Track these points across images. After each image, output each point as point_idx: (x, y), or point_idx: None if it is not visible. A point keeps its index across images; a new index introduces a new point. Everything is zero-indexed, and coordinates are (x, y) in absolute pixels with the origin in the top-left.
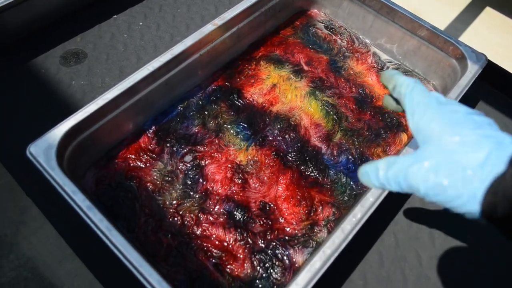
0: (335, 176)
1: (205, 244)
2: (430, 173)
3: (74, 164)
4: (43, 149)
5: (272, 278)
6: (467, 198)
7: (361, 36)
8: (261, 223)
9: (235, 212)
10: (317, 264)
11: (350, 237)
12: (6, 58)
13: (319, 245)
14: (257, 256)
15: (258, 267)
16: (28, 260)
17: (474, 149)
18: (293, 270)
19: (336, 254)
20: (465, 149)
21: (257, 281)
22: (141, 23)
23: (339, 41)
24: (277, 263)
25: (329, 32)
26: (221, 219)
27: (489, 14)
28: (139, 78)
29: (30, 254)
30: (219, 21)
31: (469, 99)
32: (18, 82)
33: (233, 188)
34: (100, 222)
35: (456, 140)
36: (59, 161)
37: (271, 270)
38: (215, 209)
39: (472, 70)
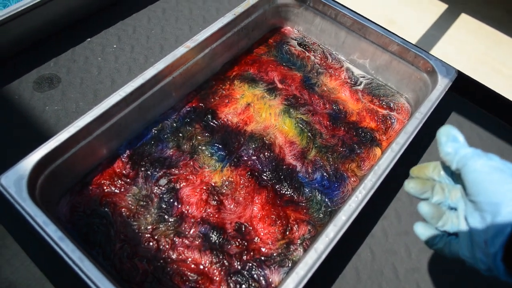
0: (310, 194)
1: (181, 268)
2: None
3: (48, 192)
4: (14, 180)
5: None
6: None
7: (334, 52)
8: (237, 244)
9: (210, 234)
10: (290, 286)
11: (324, 256)
12: None
13: (295, 264)
14: (233, 278)
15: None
16: (11, 284)
17: None
18: None
19: (309, 275)
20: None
21: None
22: (115, 46)
23: (312, 57)
24: (253, 284)
25: (303, 49)
26: (197, 242)
27: (464, 20)
28: (111, 103)
29: (13, 278)
30: (191, 43)
31: (441, 111)
32: None
33: (208, 210)
34: (73, 253)
35: None
36: (31, 191)
37: None
38: (191, 232)
39: (443, 84)
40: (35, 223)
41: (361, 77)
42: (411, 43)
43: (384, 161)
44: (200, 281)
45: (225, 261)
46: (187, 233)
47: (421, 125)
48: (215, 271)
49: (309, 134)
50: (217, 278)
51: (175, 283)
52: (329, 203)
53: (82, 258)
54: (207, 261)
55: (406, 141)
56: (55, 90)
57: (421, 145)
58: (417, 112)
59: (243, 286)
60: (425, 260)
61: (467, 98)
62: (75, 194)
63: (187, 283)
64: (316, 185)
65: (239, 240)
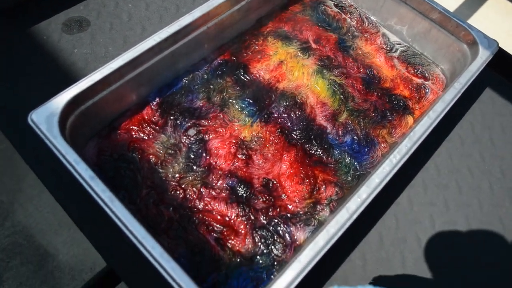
0: (339, 156)
1: (206, 218)
2: None
3: (76, 133)
4: (45, 117)
5: (273, 255)
6: None
7: (371, 16)
8: (264, 199)
9: (237, 188)
10: (320, 242)
11: (354, 217)
12: (6, 22)
13: (321, 223)
14: (258, 232)
15: (259, 243)
16: (24, 228)
17: None
18: (294, 247)
19: (339, 233)
20: None
21: (258, 257)
22: None
23: (348, 20)
24: (278, 240)
25: (339, 11)
26: (224, 194)
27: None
28: (145, 48)
29: (26, 222)
30: None
31: (476, 86)
32: (19, 48)
33: (237, 163)
34: (103, 193)
35: None
36: (61, 129)
37: (272, 247)
38: (218, 184)
39: (483, 56)
40: (65, 160)
41: (397, 44)
42: (452, 12)
43: (420, 128)
44: (225, 233)
45: (251, 215)
46: (214, 184)
47: (459, 95)
48: (240, 224)
49: (342, 96)
50: (242, 231)
51: (200, 232)
52: (358, 167)
53: (112, 198)
54: (233, 214)
55: (443, 110)
56: (84, 33)
57: (451, 118)
58: (456, 82)
59: (268, 241)
60: (448, 231)
61: (504, 76)
62: (102, 138)
63: (212, 233)
64: (346, 148)
65: (266, 195)
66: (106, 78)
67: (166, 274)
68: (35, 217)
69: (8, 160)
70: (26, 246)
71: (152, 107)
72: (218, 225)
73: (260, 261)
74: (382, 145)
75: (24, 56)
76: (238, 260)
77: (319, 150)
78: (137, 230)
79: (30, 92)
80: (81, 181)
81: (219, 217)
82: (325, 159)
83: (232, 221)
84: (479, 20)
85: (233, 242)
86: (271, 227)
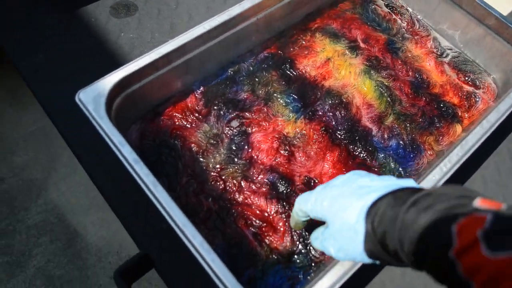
0: (383, 160)
1: (245, 212)
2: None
3: (121, 116)
4: (93, 97)
5: (311, 255)
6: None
7: (422, 19)
8: None
9: (278, 184)
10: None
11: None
12: (57, 2)
13: None
14: (297, 231)
15: (298, 242)
16: (55, 206)
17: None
18: None
19: None
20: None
21: (295, 256)
22: None
23: (399, 21)
24: None
25: (389, 11)
26: (264, 189)
27: None
28: (194, 35)
29: (58, 200)
30: None
31: None
32: (67, 29)
33: (278, 159)
34: (146, 177)
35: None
36: (108, 110)
37: (311, 247)
38: (258, 178)
39: None
40: (111, 142)
41: (448, 49)
42: (510, 19)
43: (472, 137)
44: (263, 228)
45: (291, 213)
46: (254, 178)
47: None
48: (279, 221)
49: (389, 99)
50: (281, 229)
51: (239, 225)
52: (402, 173)
53: (155, 183)
54: (273, 210)
55: (497, 120)
56: (131, 17)
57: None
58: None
59: (307, 241)
60: None
61: None
62: (146, 122)
63: (250, 228)
64: (391, 152)
65: None
66: (154, 62)
67: (206, 264)
68: (67, 196)
69: (46, 138)
70: (57, 224)
71: (196, 95)
72: (257, 220)
73: (298, 261)
74: (428, 152)
75: (72, 37)
76: (275, 257)
77: (363, 152)
78: (179, 217)
79: (76, 72)
80: (125, 163)
81: (258, 212)
82: (369, 162)
83: (271, 217)
84: None
85: (271, 238)
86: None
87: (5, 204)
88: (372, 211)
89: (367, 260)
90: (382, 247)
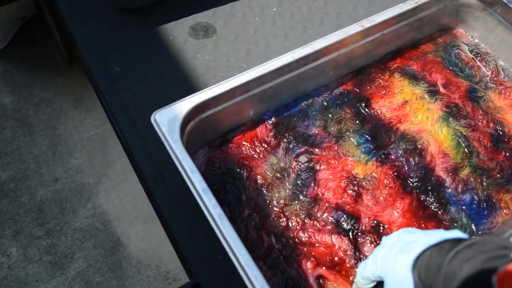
0: (455, 214)
1: (309, 253)
2: None
3: (191, 139)
4: (168, 119)
5: None
6: None
7: (509, 68)
8: (372, 240)
9: (343, 222)
10: None
11: None
12: (138, 18)
13: None
14: None
15: None
16: (103, 212)
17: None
18: None
19: None
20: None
21: None
22: (274, 9)
23: (483, 68)
24: None
25: (473, 57)
26: (329, 227)
27: None
28: (275, 66)
29: (106, 206)
30: (366, 23)
31: None
32: (145, 44)
33: (345, 199)
34: (213, 208)
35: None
36: (181, 134)
37: None
38: (323, 217)
39: None
40: (181, 167)
41: None
42: None
43: None
44: (327, 273)
45: (357, 253)
46: (318, 216)
47: None
48: (345, 264)
49: (466, 150)
50: (347, 276)
51: (301, 266)
52: (474, 230)
53: (222, 216)
54: (339, 248)
55: None
56: (209, 39)
57: None
58: None
59: None
60: None
61: None
62: (214, 148)
63: (313, 270)
64: (464, 207)
65: (375, 237)
66: (232, 90)
67: None
68: (115, 203)
69: (102, 144)
70: (102, 231)
71: (267, 125)
72: (321, 265)
73: None
74: (504, 211)
75: (150, 52)
76: None
77: (435, 203)
78: (242, 255)
79: (149, 88)
80: (193, 191)
81: (323, 249)
82: (440, 214)
83: (336, 258)
84: None
85: (335, 284)
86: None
87: (56, 204)
88: (418, 264)
89: None
90: None
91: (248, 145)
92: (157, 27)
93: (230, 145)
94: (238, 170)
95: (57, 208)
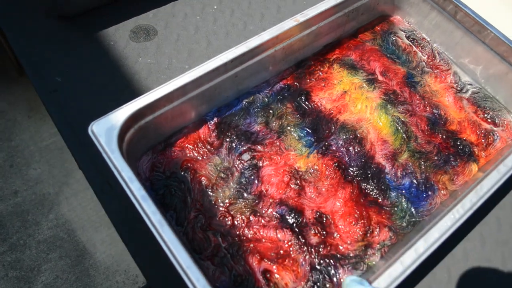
0: (396, 199)
1: (254, 249)
2: None
3: (133, 146)
4: (105, 129)
5: None
6: None
7: (444, 52)
8: (316, 232)
9: (287, 216)
10: None
11: (408, 272)
12: (79, 25)
13: (369, 268)
14: (307, 269)
15: (309, 282)
16: (66, 222)
17: None
18: None
19: None
20: None
21: None
22: (215, 7)
23: (419, 53)
24: (327, 283)
25: (410, 43)
26: (274, 222)
27: None
28: (211, 67)
29: (69, 216)
30: (301, 17)
31: None
32: (86, 51)
33: (289, 193)
34: (153, 215)
35: None
36: (120, 143)
37: None
38: (268, 212)
39: None
40: (120, 177)
41: (468, 84)
42: None
43: (488, 182)
44: (273, 266)
45: (303, 247)
46: (263, 212)
47: None
48: (289, 256)
49: (404, 135)
50: (291, 267)
51: (247, 262)
52: (414, 213)
53: (162, 223)
54: (284, 241)
55: None
56: (150, 42)
57: None
58: None
59: (319, 283)
60: None
61: None
62: (157, 153)
63: (259, 265)
64: (403, 191)
65: (319, 228)
66: (169, 94)
67: None
68: (78, 212)
69: (60, 152)
70: (67, 240)
71: (209, 126)
72: (266, 259)
73: None
74: (442, 192)
75: (90, 59)
76: None
77: (375, 190)
78: (184, 258)
79: (92, 96)
80: (133, 199)
81: (269, 244)
82: (380, 200)
83: (281, 251)
84: None
85: (279, 277)
86: (321, 267)
87: (18, 217)
88: None
89: None
90: None
91: (192, 147)
92: (98, 32)
93: (174, 148)
94: (182, 173)
95: (19, 222)
